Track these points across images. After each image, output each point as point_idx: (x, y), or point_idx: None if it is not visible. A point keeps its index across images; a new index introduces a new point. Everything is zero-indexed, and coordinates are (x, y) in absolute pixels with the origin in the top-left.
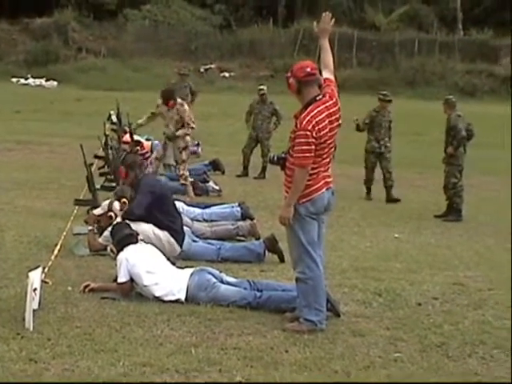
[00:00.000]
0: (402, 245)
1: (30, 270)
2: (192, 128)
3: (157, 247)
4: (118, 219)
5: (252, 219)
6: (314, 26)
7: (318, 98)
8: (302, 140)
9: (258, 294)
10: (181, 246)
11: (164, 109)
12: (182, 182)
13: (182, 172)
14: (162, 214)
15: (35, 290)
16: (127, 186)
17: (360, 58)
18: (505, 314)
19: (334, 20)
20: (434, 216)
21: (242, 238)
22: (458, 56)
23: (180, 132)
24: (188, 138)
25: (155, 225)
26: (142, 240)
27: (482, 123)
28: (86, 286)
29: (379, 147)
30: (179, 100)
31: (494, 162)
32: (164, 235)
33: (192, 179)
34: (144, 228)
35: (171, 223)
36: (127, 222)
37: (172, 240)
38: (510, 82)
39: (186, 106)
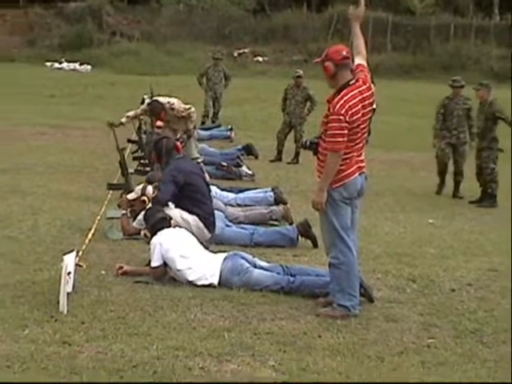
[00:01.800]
0: (436, 231)
1: (65, 254)
2: (192, 114)
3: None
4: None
5: (285, 204)
6: (350, 9)
7: (351, 83)
8: (335, 124)
9: (291, 278)
10: (211, 231)
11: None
12: None
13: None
14: (189, 200)
15: (69, 273)
16: (160, 170)
17: (395, 42)
18: None
19: (366, 6)
20: (468, 202)
21: (276, 223)
22: (494, 41)
23: (191, 126)
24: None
25: (183, 210)
26: (175, 225)
27: None
28: (120, 268)
29: (450, 137)
30: (165, 102)
31: None
32: (193, 219)
33: (225, 163)
34: (173, 213)
35: (199, 209)
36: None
37: (201, 224)
38: None
39: (172, 100)
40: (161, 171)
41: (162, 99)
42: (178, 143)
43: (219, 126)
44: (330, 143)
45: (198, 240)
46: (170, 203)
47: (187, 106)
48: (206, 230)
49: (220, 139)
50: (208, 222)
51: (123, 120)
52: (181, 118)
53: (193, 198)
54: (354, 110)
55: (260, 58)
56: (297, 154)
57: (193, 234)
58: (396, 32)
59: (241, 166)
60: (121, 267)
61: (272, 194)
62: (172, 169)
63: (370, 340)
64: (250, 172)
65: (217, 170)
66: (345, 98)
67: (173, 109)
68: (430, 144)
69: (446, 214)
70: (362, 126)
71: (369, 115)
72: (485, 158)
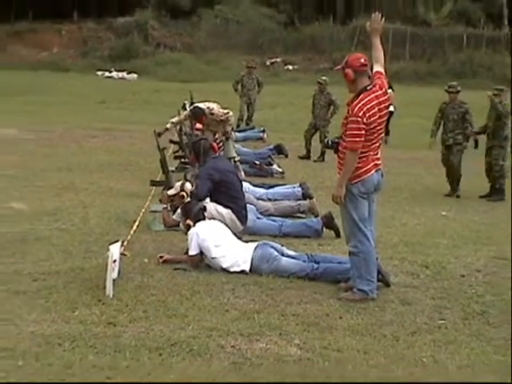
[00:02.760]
0: (449, 222)
1: (111, 243)
2: (230, 119)
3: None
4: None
5: (311, 198)
6: (366, 25)
7: (368, 88)
8: (354, 125)
9: (316, 266)
10: (243, 223)
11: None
12: None
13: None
14: (223, 195)
15: (115, 261)
16: (198, 168)
17: (412, 51)
18: None
19: (384, 19)
20: (478, 196)
21: (302, 216)
22: (504, 50)
23: (228, 128)
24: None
25: (219, 204)
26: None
27: None
28: (160, 257)
29: (447, 139)
30: (205, 108)
31: None
32: (227, 213)
33: (258, 162)
34: (209, 207)
35: (233, 203)
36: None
37: (234, 217)
38: None
39: (211, 105)
40: (198, 169)
41: (202, 105)
42: (215, 144)
43: (253, 128)
44: (349, 142)
45: (231, 230)
46: (206, 199)
47: (225, 111)
48: (238, 222)
49: (253, 140)
50: (240, 214)
51: (168, 126)
52: (219, 122)
53: (227, 194)
54: (371, 113)
55: (290, 67)
56: (322, 153)
57: (227, 225)
58: (413, 42)
59: (272, 165)
60: (161, 256)
61: (300, 189)
62: (208, 167)
63: (386, 321)
64: (280, 170)
65: (250, 168)
66: (363, 102)
67: (212, 113)
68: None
69: (458, 207)
70: (379, 128)
71: (385, 118)
72: (495, 155)
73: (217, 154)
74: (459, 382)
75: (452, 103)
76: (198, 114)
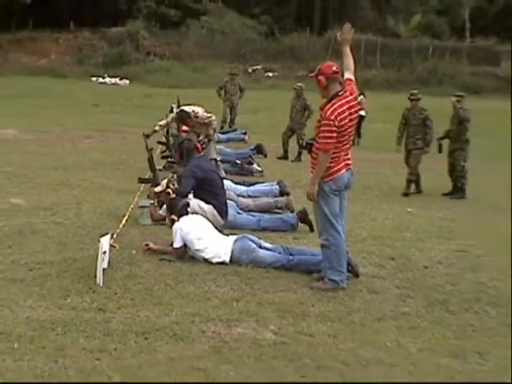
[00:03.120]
0: (414, 218)
1: (101, 236)
2: (213, 122)
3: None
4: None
5: (288, 195)
6: (338, 35)
7: (339, 94)
8: (326, 128)
9: (291, 257)
10: (224, 218)
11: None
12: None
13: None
14: (206, 192)
15: (105, 252)
16: (181, 167)
17: (383, 61)
18: (498, 276)
19: (353, 30)
20: (441, 194)
21: (279, 211)
22: (466, 60)
23: (211, 131)
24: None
25: (201, 200)
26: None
27: (486, 117)
28: (146, 245)
29: (407, 144)
30: (190, 111)
31: (495, 149)
32: (208, 208)
33: (239, 161)
34: (192, 203)
35: (214, 200)
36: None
37: (215, 212)
38: (510, 83)
39: (196, 109)
40: (182, 168)
41: (187, 108)
42: (199, 145)
43: (235, 130)
44: (322, 144)
45: (213, 225)
46: (189, 195)
47: (209, 115)
48: (219, 217)
49: (236, 141)
50: (221, 210)
51: (156, 128)
52: (203, 124)
53: (209, 191)
54: (342, 116)
55: (270, 74)
56: (299, 154)
57: (209, 220)
58: (384, 52)
59: (252, 164)
60: (147, 245)
61: (277, 187)
62: (192, 166)
63: (355, 308)
64: (259, 169)
65: (232, 167)
66: (334, 106)
67: (197, 116)
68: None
69: (423, 204)
70: (349, 130)
71: (355, 121)
72: (457, 156)
73: (201, 154)
74: (459, 381)
75: (413, 110)
76: (183, 117)
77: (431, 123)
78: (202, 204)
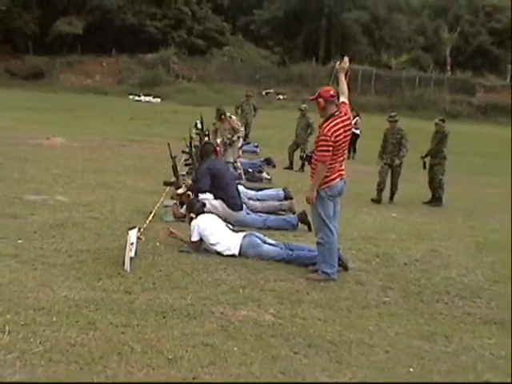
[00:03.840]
0: (397, 222)
1: (130, 229)
2: (241, 131)
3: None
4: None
5: (291, 199)
6: (336, 64)
7: (336, 114)
8: (323, 143)
9: (290, 252)
10: (235, 210)
11: (219, 124)
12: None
13: (238, 164)
14: (218, 187)
15: (132, 243)
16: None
17: (376, 88)
18: (465, 273)
19: (350, 61)
20: (422, 202)
21: (283, 213)
22: (447, 89)
23: (235, 137)
24: (240, 139)
25: (213, 195)
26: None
27: (462, 138)
28: (168, 229)
29: (387, 159)
30: (228, 113)
31: (468, 165)
32: (219, 204)
33: (251, 170)
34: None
35: (222, 194)
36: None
37: (225, 206)
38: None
39: (233, 117)
40: (199, 167)
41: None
42: (218, 149)
43: (249, 143)
44: (319, 156)
45: (226, 221)
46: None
47: (240, 123)
48: (230, 210)
49: (249, 153)
50: (231, 203)
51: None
52: (232, 129)
53: (218, 187)
54: (337, 133)
55: (281, 96)
56: (302, 165)
57: (221, 216)
58: (378, 81)
59: (262, 172)
60: (168, 228)
61: (283, 192)
62: (207, 165)
63: (343, 297)
64: (268, 177)
65: (245, 175)
66: (331, 125)
67: (231, 117)
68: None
69: (406, 210)
70: (343, 145)
71: (348, 137)
72: (436, 171)
73: (215, 157)
74: (460, 381)
75: (392, 130)
76: (221, 113)
77: (406, 142)
78: (213, 201)
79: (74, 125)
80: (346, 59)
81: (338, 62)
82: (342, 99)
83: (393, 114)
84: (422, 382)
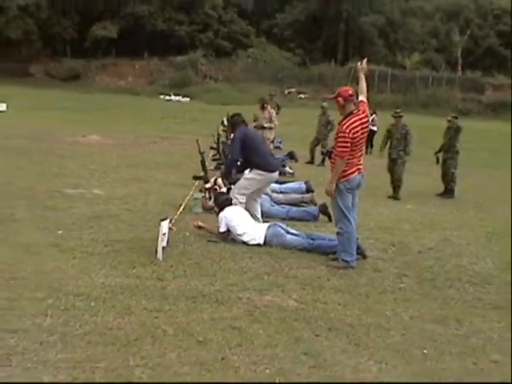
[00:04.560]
0: (412, 213)
1: (162, 220)
2: (275, 125)
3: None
4: (224, 189)
5: (313, 192)
6: (358, 64)
7: (354, 112)
8: (342, 139)
9: (312, 241)
10: (271, 171)
11: (259, 113)
12: None
13: None
14: (249, 152)
15: (164, 233)
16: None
17: (392, 87)
18: (476, 261)
19: (369, 62)
20: (435, 195)
21: (305, 205)
22: (458, 88)
23: (267, 125)
24: (273, 132)
25: (247, 165)
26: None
27: (472, 134)
28: (197, 224)
29: (392, 153)
30: (269, 107)
31: (479, 160)
32: (254, 174)
33: None
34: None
35: (255, 156)
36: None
37: (261, 171)
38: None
39: (273, 111)
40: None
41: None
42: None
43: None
44: (338, 152)
45: (251, 215)
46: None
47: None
48: (265, 173)
49: (273, 148)
50: (263, 165)
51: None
52: (269, 119)
53: (250, 151)
54: (355, 130)
55: (302, 95)
56: (323, 160)
57: (261, 185)
58: (393, 80)
59: (285, 167)
60: (197, 223)
61: (304, 185)
62: (237, 135)
63: (362, 283)
64: (291, 171)
65: None
66: (349, 122)
67: (273, 110)
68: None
69: (420, 201)
70: (361, 141)
71: (366, 134)
72: (448, 165)
73: (244, 125)
74: (461, 382)
75: (397, 125)
76: (263, 102)
77: (411, 137)
78: (248, 176)
79: (108, 123)
80: (366, 60)
81: (360, 63)
82: (360, 98)
83: (398, 110)
84: (426, 382)
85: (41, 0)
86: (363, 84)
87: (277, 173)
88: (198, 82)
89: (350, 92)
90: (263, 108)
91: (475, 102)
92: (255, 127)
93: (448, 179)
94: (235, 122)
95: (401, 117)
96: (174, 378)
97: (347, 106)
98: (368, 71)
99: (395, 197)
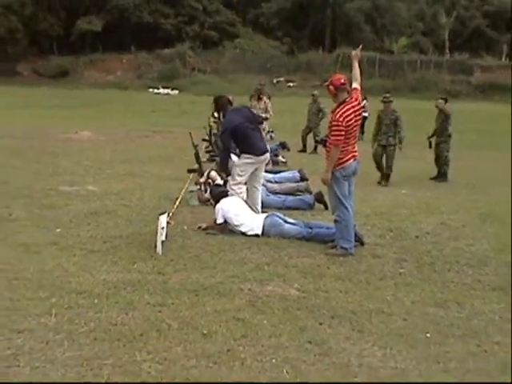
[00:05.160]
0: (407, 198)
1: (160, 214)
2: (270, 115)
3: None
4: (220, 181)
5: (307, 181)
6: (352, 52)
7: (347, 100)
8: (336, 128)
9: (310, 230)
10: (258, 154)
11: (255, 103)
12: None
13: None
14: (239, 140)
15: (163, 227)
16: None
17: (380, 72)
18: (472, 243)
19: (362, 49)
20: (429, 178)
21: (300, 193)
22: (446, 71)
23: (263, 115)
24: (268, 123)
25: (238, 147)
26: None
27: (462, 116)
28: (199, 227)
29: (381, 140)
30: (265, 97)
31: (469, 141)
32: (244, 159)
33: None
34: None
35: (246, 144)
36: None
37: (248, 155)
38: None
39: (269, 102)
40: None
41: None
42: (230, 98)
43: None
44: (333, 140)
45: (248, 205)
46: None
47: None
48: (253, 156)
49: (269, 139)
50: (254, 149)
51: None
52: (265, 109)
53: (238, 136)
54: (348, 118)
55: (291, 84)
56: (315, 148)
57: (254, 167)
58: (381, 65)
59: (278, 156)
60: (200, 226)
61: (298, 174)
62: (224, 125)
63: (361, 270)
64: (283, 160)
65: None
66: (342, 110)
67: (268, 100)
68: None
69: (414, 186)
70: (355, 129)
71: (359, 122)
72: (441, 148)
73: (232, 107)
74: (460, 381)
75: (386, 111)
76: (259, 92)
77: (401, 123)
78: (238, 162)
79: (99, 119)
80: (360, 47)
81: (353, 51)
82: (354, 85)
83: (387, 94)
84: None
85: None
86: (357, 71)
87: (266, 155)
88: (187, 74)
89: (342, 81)
90: (259, 99)
91: (464, 83)
92: None
93: (441, 163)
94: (223, 104)
95: (390, 101)
96: (182, 372)
97: (340, 94)
98: (361, 57)
99: (385, 184)
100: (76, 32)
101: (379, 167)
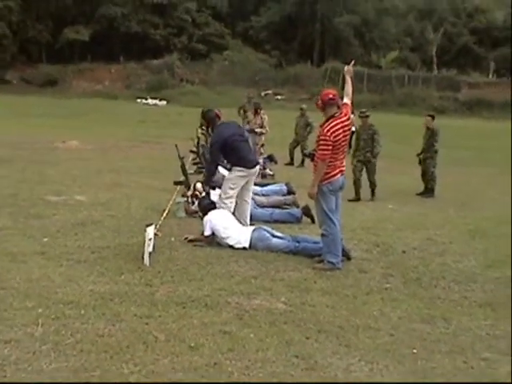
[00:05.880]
0: (394, 213)
1: (147, 226)
2: (266, 130)
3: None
4: (204, 194)
5: (294, 194)
6: (345, 68)
7: (336, 115)
8: (323, 142)
9: (297, 244)
10: (250, 167)
11: (251, 116)
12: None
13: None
14: (228, 153)
15: (150, 239)
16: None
17: (369, 87)
18: (460, 259)
19: (353, 64)
20: (415, 194)
21: (287, 207)
22: (434, 87)
23: (258, 130)
24: (263, 138)
25: (228, 161)
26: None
27: (449, 132)
28: (186, 238)
29: (359, 155)
30: (262, 111)
31: (456, 157)
32: (235, 171)
33: None
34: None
35: (236, 157)
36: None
37: (239, 168)
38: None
39: (266, 117)
40: (210, 134)
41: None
42: (218, 112)
43: None
44: (320, 154)
45: (236, 218)
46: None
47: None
48: (244, 169)
49: (263, 152)
50: (244, 162)
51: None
52: (260, 125)
53: (229, 152)
54: (336, 133)
55: (279, 97)
56: (302, 161)
57: (244, 181)
58: (369, 80)
59: (265, 169)
60: (186, 238)
61: (286, 187)
62: (213, 139)
63: (348, 284)
64: (271, 173)
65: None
66: (331, 125)
67: (264, 116)
68: (385, 154)
69: (401, 201)
70: (343, 144)
71: (347, 137)
72: (428, 164)
73: (221, 121)
74: (460, 381)
75: (364, 126)
76: (257, 107)
77: (378, 137)
78: (229, 175)
79: (87, 128)
80: (352, 63)
81: (346, 67)
82: (345, 100)
83: (363, 109)
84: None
85: (13, 3)
86: (349, 87)
87: (257, 168)
88: (175, 85)
89: (331, 96)
90: (256, 113)
91: (451, 99)
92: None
93: (428, 178)
94: (211, 118)
95: (367, 116)
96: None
97: (328, 109)
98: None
99: (357, 199)
100: (63, 41)
101: (355, 184)
